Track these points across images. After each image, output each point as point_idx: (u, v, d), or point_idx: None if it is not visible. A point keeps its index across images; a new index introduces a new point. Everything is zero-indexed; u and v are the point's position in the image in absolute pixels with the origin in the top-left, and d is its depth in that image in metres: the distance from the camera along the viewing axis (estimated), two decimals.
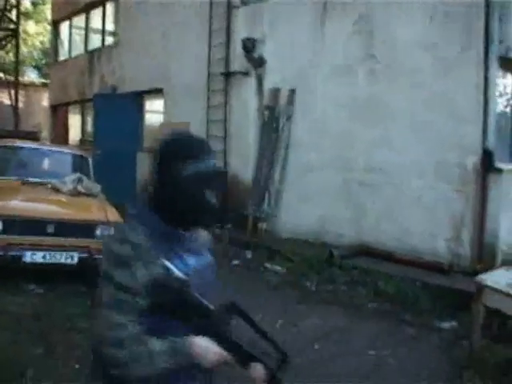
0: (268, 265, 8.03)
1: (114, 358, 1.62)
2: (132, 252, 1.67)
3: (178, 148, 1.81)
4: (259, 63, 10.06)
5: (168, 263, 1.72)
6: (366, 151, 8.27)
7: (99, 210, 6.66)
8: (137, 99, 14.06)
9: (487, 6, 7.05)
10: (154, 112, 14.14)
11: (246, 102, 10.50)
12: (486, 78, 7.07)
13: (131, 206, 1.87)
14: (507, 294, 4.88)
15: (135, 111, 13.94)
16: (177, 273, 1.73)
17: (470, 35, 7.16)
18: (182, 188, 1.75)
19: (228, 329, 1.81)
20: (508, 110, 8.31)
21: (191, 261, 1.84)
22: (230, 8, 10.89)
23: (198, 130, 11.31)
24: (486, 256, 6.95)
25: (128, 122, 13.30)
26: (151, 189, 1.84)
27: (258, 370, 1.79)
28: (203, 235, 2.01)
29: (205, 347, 1.72)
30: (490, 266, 6.20)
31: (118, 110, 13.12)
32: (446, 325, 5.68)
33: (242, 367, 1.79)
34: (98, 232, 6.44)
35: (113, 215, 6.72)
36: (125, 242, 1.69)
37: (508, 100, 8.26)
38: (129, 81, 14.31)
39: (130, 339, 1.62)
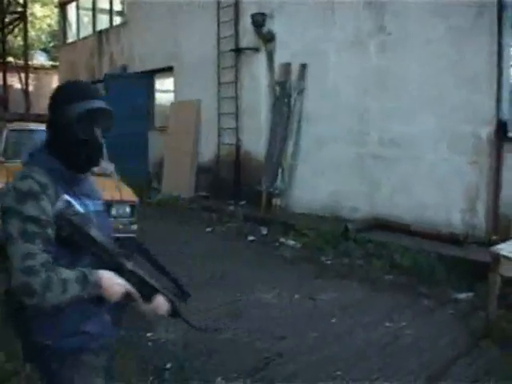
0: (283, 240, 8.05)
1: (27, 287, 1.66)
2: (38, 188, 1.75)
3: (66, 92, 1.94)
4: (269, 38, 9.97)
5: (71, 199, 1.84)
6: (379, 124, 8.21)
7: (113, 189, 6.68)
8: (147, 78, 14.04)
9: None
10: (165, 91, 14.11)
11: (257, 78, 10.44)
12: (500, 47, 6.95)
13: (29, 153, 1.95)
14: None
15: (146, 90, 13.93)
16: (79, 208, 1.85)
17: (484, 3, 7.04)
18: (69, 127, 1.86)
19: (130, 264, 1.89)
20: None
21: (89, 204, 1.95)
22: None
23: (209, 107, 11.32)
24: (501, 227, 6.91)
25: (139, 102, 13.30)
26: (48, 133, 1.95)
27: (160, 302, 1.90)
28: (93, 181, 2.12)
29: (110, 279, 1.81)
30: (505, 236, 6.17)
31: (128, 90, 13.09)
32: (462, 296, 5.68)
33: (145, 300, 1.88)
34: (113, 211, 6.48)
35: (127, 194, 6.76)
36: (31, 180, 1.76)
37: None
38: (138, 60, 14.28)
39: (42, 267, 1.68)
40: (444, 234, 7.08)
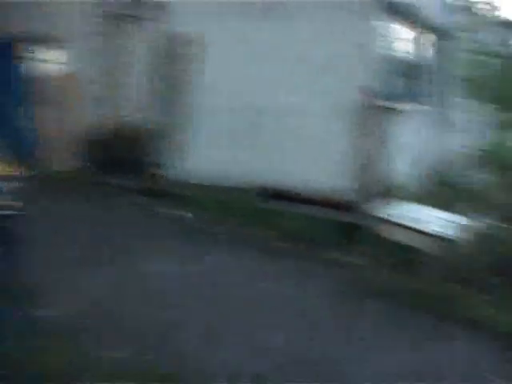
0: (176, 211, 8.02)
1: None
2: None
3: None
4: (160, 6, 9.69)
5: None
6: (267, 94, 8.38)
7: None
8: (23, 48, 13.20)
9: None
10: (46, 61, 13.34)
11: (147, 47, 10.14)
12: (370, 21, 7.40)
13: None
14: (401, 225, 5.21)
15: (22, 61, 13.11)
16: None
17: None
18: None
19: None
20: (395, 52, 8.77)
21: None
22: None
23: (92, 78, 10.88)
24: (375, 190, 7.36)
25: (15, 73, 12.51)
26: None
27: None
28: None
29: None
30: (382, 200, 6.56)
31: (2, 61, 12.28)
32: (343, 258, 5.98)
33: None
34: None
35: (8, 169, 6.40)
36: None
37: (392, 43, 8.68)
38: (14, 29, 13.36)
39: None
40: (327, 199, 7.37)
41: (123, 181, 9.72)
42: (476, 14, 11.95)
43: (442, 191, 8.53)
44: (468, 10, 11.78)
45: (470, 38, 11.11)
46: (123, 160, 10.25)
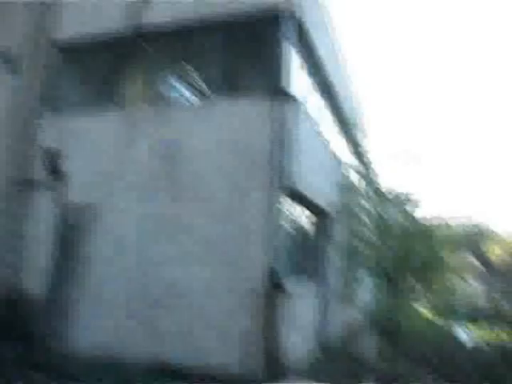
0: None
1: None
2: None
3: None
4: (60, 176, 9.78)
5: None
6: (162, 269, 8.53)
7: None
8: None
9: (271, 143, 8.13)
10: None
11: (44, 215, 10.03)
12: (272, 204, 7.91)
13: None
14: None
15: None
16: None
17: (254, 160, 8.18)
18: None
19: None
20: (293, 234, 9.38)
21: None
22: (33, 114, 10.61)
23: None
24: (274, 368, 7.43)
25: None
26: None
27: None
28: None
29: None
30: (278, 377, 6.66)
31: None
32: None
33: None
34: None
35: None
36: None
37: (292, 224, 9.27)
38: None
39: None
40: (222, 376, 7.37)
41: (7, 349, 9.03)
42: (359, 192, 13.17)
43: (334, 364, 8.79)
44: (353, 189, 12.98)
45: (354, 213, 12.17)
46: (8, 326, 9.59)
